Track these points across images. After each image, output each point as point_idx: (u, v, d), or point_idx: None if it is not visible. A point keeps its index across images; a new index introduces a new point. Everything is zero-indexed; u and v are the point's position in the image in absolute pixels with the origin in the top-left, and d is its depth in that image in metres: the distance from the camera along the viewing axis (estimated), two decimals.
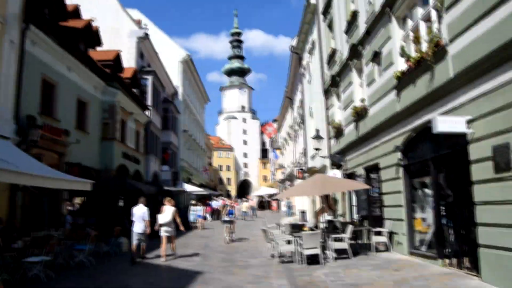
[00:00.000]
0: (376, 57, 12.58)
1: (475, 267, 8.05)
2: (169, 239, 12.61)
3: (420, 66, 9.69)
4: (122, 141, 22.28)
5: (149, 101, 28.07)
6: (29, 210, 14.00)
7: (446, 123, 7.92)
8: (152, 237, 13.52)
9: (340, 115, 17.86)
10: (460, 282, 7.62)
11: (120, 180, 18.97)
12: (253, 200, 43.52)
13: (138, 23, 30.86)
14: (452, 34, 8.38)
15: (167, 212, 12.53)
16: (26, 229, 12.66)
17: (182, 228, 13.47)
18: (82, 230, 13.30)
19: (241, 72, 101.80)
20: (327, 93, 19.75)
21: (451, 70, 8.43)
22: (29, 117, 13.73)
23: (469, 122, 7.89)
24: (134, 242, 12.00)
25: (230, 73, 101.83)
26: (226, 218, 17.00)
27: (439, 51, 8.83)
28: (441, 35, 8.87)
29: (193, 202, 27.88)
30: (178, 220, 13.02)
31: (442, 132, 7.99)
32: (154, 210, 14.51)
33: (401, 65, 10.90)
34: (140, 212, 12.07)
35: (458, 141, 8.38)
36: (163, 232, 12.48)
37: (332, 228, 12.76)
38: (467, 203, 8.34)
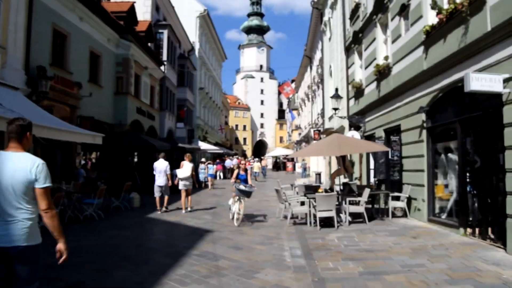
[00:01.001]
0: (403, 10, 11.64)
1: (500, 239, 7.50)
2: (187, 193, 13.19)
3: (452, 19, 8.79)
4: (136, 96, 21.87)
5: (164, 56, 27.43)
6: None
7: (480, 81, 7.14)
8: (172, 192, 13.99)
9: (361, 74, 17.08)
10: (483, 253, 7.09)
11: (133, 136, 18.72)
12: (265, 160, 43.15)
13: None
14: None
15: (186, 167, 13.08)
16: None
17: (196, 185, 13.53)
18: (94, 184, 13.14)
19: (260, 30, 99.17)
20: (348, 50, 18.87)
21: (489, 23, 7.55)
22: (39, 67, 13.28)
23: (506, 81, 7.11)
24: (157, 194, 13.00)
25: (249, 31, 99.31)
26: (242, 187, 10.95)
27: (476, 1, 7.91)
28: None
29: (203, 160, 27.58)
30: (193, 176, 13.55)
31: (475, 91, 7.24)
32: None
33: (432, 18, 9.98)
34: (161, 166, 12.99)
35: (491, 103, 7.62)
36: (182, 186, 13.05)
37: (348, 191, 12.29)
38: (496, 170, 7.69)
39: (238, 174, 11.73)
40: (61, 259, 3.35)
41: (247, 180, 11.62)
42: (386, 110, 13.60)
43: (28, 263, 3.20)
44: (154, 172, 13.09)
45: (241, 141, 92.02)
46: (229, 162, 34.60)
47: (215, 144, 45.26)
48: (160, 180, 12.96)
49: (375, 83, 14.54)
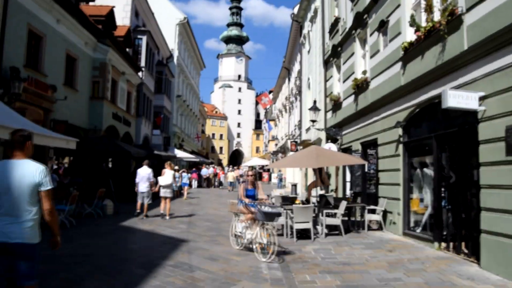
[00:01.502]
0: (382, 26, 11.82)
1: (473, 253, 7.60)
2: (167, 200, 13.52)
3: (430, 37, 8.96)
4: (112, 101, 21.50)
5: (142, 62, 27.13)
6: None
7: (457, 98, 7.26)
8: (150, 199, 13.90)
9: (339, 88, 17.22)
10: (458, 267, 7.16)
11: (108, 141, 18.33)
12: (241, 170, 42.75)
13: None
14: (470, 2, 7.64)
15: (167, 175, 13.45)
16: None
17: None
18: (66, 190, 12.75)
19: (239, 40, 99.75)
20: (326, 64, 19.04)
21: (466, 41, 7.72)
22: (12, 68, 12.86)
23: (482, 98, 7.26)
24: (139, 200, 13.35)
25: (228, 40, 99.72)
26: (267, 209, 7.84)
27: (453, 20, 8.08)
28: (456, 3, 8.13)
29: (176, 168, 27.17)
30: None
31: (452, 108, 7.35)
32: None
33: (410, 35, 10.16)
34: (144, 173, 13.33)
35: (467, 119, 7.77)
36: (163, 193, 13.41)
37: (325, 203, 12.27)
38: (470, 186, 7.82)
39: (245, 189, 8.76)
40: (56, 248, 3.86)
41: (255, 196, 8.76)
42: (363, 124, 13.70)
43: (29, 259, 3.60)
44: (137, 179, 13.37)
45: (218, 150, 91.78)
46: (205, 171, 34.46)
47: (191, 152, 44.93)
48: (142, 186, 13.27)
49: (352, 97, 14.65)
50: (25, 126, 10.14)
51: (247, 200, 8.54)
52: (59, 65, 16.60)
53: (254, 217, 8.19)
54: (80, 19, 17.89)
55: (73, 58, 17.82)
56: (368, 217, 11.44)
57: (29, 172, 3.71)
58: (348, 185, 15.75)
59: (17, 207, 3.63)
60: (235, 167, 46.14)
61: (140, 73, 26.39)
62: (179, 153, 34.09)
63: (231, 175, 31.90)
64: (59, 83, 16.35)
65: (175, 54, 39.04)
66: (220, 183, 35.49)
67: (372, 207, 11.70)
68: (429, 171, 9.55)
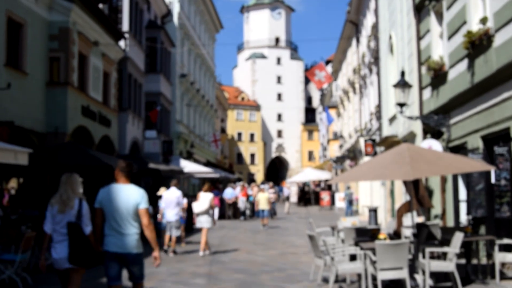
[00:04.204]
0: None
1: None
2: (205, 231, 16.09)
3: None
4: (81, 88, 21.97)
5: (125, 25, 27.59)
6: None
7: None
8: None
9: (441, 49, 17.13)
10: None
11: (78, 151, 18.69)
12: (270, 187, 36.71)
13: None
14: None
15: (204, 199, 15.99)
16: None
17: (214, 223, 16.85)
18: (15, 230, 13.06)
19: None
20: (419, 10, 18.89)
21: None
22: None
23: None
24: (167, 232, 16.10)
25: None
26: None
27: None
28: None
29: (162, 190, 23.94)
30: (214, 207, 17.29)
31: None
32: None
33: None
34: (173, 196, 15.94)
35: None
36: (200, 223, 16.02)
37: (426, 237, 12.09)
38: None
39: None
40: (156, 263, 7.46)
41: None
42: (485, 106, 13.52)
43: (139, 264, 7.37)
44: (162, 205, 16.33)
45: (247, 159, 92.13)
46: (230, 193, 33.91)
47: (207, 164, 45.26)
48: (171, 214, 15.86)
49: (465, 62, 14.49)
50: None
51: None
52: None
53: None
54: None
55: (17, 24, 18.28)
56: (501, 257, 11.28)
57: (132, 194, 7.29)
58: (463, 206, 15.60)
59: (125, 224, 7.21)
60: (266, 184, 42.85)
61: (122, 43, 26.80)
62: (187, 166, 34.07)
63: (263, 198, 28.24)
64: None
65: (175, 9, 39.56)
66: (243, 213, 34.09)
67: (506, 241, 11.48)
68: None
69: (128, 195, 7.22)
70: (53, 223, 7.55)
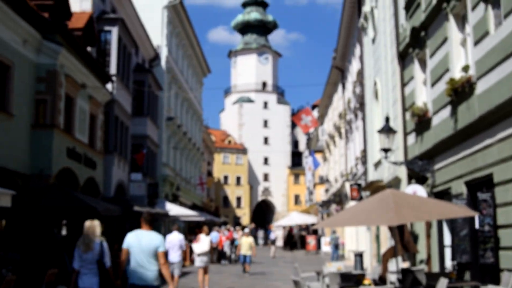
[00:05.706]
0: None
1: None
2: (205, 270, 18.49)
3: None
4: (67, 130, 21.92)
5: (112, 68, 27.67)
6: None
7: None
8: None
9: (425, 95, 17.32)
10: None
11: (62, 193, 18.57)
12: (246, 232, 37.19)
13: None
14: None
15: (204, 241, 18.59)
16: None
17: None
18: None
19: (263, 28, 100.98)
20: (403, 58, 19.20)
21: None
22: None
23: None
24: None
25: (245, 28, 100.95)
26: None
27: None
28: None
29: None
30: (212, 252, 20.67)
31: None
32: (118, 240, 14.30)
33: None
34: (176, 239, 17.49)
35: None
36: (199, 263, 18.47)
37: (411, 282, 12.10)
38: None
39: None
40: None
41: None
42: (468, 152, 13.63)
43: None
44: (166, 246, 16.33)
45: (233, 202, 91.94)
46: (216, 237, 33.66)
47: (193, 207, 45.10)
48: (174, 255, 17.06)
49: (448, 109, 14.67)
50: None
51: None
52: None
53: None
54: (15, 5, 18.49)
55: (5, 65, 18.29)
56: None
57: (153, 239, 9.11)
58: (448, 251, 15.60)
59: (147, 261, 8.95)
60: (248, 227, 41.66)
61: (109, 85, 26.89)
62: (173, 209, 34.13)
63: (246, 243, 26.65)
64: None
65: (163, 53, 39.81)
66: (225, 256, 33.75)
67: (490, 287, 11.39)
68: None
69: (150, 239, 9.07)
70: (80, 260, 9.75)
